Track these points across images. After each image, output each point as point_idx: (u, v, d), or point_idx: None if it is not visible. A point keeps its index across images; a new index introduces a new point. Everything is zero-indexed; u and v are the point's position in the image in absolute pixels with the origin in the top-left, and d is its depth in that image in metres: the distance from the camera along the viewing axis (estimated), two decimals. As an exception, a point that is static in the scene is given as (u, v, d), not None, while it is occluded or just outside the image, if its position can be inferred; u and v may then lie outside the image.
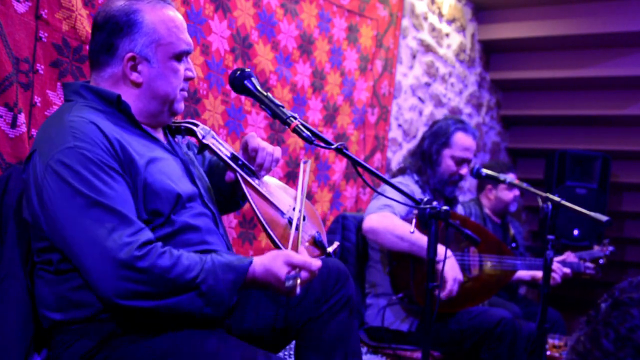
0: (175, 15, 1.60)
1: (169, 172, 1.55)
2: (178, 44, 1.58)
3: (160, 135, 1.66)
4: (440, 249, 2.46)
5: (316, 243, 1.78)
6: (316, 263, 1.47)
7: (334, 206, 3.23)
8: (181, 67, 1.60)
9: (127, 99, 1.55)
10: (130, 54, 1.53)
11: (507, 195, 3.62)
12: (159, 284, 1.35)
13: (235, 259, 1.45)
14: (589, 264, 3.33)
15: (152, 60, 1.55)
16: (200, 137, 1.70)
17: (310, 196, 3.06)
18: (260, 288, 1.48)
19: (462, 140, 2.79)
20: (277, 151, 1.82)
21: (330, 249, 1.79)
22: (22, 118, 1.72)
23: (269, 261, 1.45)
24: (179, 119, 1.82)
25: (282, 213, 1.75)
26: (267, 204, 1.73)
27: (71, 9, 1.85)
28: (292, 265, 1.44)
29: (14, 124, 1.70)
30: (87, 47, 1.89)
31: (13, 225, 1.56)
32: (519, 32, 4.76)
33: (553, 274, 3.10)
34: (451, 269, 2.51)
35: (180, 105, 1.64)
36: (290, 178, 2.94)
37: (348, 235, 2.90)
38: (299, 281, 1.41)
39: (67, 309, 1.45)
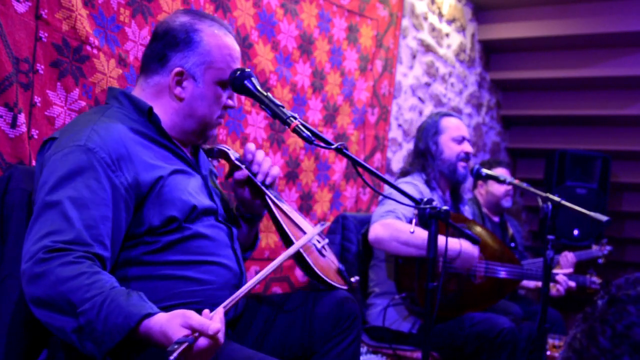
0: (233, 44, 1.65)
1: (187, 184, 1.57)
2: (228, 71, 1.62)
3: (187, 150, 1.68)
4: (452, 242, 2.48)
5: (340, 273, 1.91)
6: (214, 327, 1.21)
7: (334, 206, 3.23)
8: (224, 94, 1.64)
9: (167, 110, 1.60)
10: (178, 69, 1.58)
11: (498, 189, 3.61)
12: (51, 292, 1.26)
13: (139, 306, 1.25)
14: (594, 279, 3.34)
15: (199, 80, 1.59)
16: (233, 158, 1.77)
17: (310, 196, 3.06)
18: (155, 346, 1.26)
19: (449, 122, 2.87)
20: (274, 169, 1.80)
21: (352, 279, 1.93)
22: (22, 118, 1.72)
23: (166, 320, 1.23)
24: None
25: (305, 233, 1.85)
26: (292, 224, 1.83)
27: (71, 9, 1.86)
28: (191, 329, 1.21)
29: (14, 124, 1.71)
30: (87, 47, 1.92)
31: (15, 225, 1.57)
32: (519, 32, 4.76)
33: (558, 286, 3.13)
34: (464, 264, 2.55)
35: (214, 132, 1.68)
36: (291, 178, 2.94)
37: (348, 235, 2.90)
38: (183, 346, 1.16)
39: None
